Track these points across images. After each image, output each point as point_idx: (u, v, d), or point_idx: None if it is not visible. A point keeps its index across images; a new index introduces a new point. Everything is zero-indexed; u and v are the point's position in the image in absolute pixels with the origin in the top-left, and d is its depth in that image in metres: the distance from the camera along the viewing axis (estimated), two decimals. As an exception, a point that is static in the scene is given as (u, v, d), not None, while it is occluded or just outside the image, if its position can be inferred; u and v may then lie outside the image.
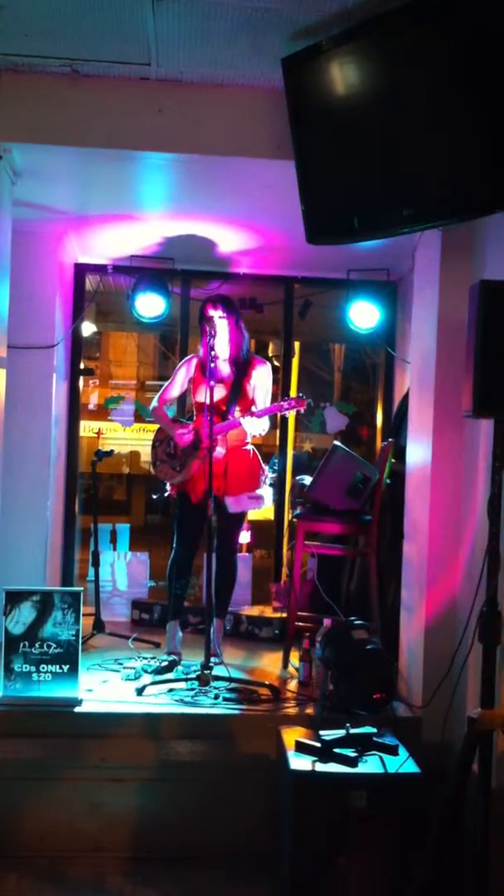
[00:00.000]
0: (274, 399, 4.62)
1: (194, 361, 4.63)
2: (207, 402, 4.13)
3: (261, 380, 4.54)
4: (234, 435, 4.44)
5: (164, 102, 3.72)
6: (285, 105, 3.42)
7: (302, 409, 4.31)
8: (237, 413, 4.42)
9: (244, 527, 5.22)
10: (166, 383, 4.72)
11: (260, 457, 4.62)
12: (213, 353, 4.23)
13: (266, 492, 4.62)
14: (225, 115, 3.73)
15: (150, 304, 5.38)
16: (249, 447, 4.56)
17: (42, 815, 3.61)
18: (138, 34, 3.34)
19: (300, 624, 4.64)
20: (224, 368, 4.53)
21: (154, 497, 4.66)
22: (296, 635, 4.57)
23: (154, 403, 4.70)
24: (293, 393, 6.13)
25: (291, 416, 5.97)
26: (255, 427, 4.31)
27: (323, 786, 3.09)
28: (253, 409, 4.41)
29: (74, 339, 5.79)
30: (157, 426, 4.75)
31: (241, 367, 4.53)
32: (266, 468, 4.64)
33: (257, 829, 3.52)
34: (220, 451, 4.38)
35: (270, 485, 4.71)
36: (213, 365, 4.21)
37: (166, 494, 4.64)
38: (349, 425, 6.35)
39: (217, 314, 4.42)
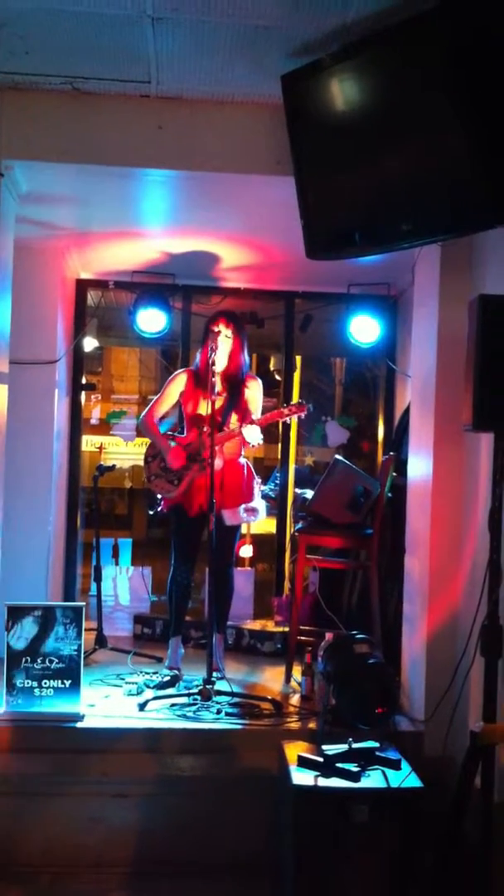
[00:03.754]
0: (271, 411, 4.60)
1: (185, 376, 4.60)
2: (207, 414, 4.13)
3: (253, 393, 4.55)
4: (229, 447, 4.45)
5: (165, 119, 3.76)
6: (285, 121, 3.45)
7: (303, 415, 4.31)
8: (234, 421, 4.42)
9: (241, 541, 5.21)
10: (155, 398, 4.68)
11: (253, 469, 4.62)
12: (213, 367, 4.24)
13: (261, 504, 4.62)
14: (225, 131, 3.77)
15: (152, 320, 5.41)
16: (243, 460, 4.56)
17: (44, 830, 3.59)
18: (139, 52, 3.37)
19: (302, 638, 4.63)
20: (216, 382, 4.52)
21: (150, 513, 4.63)
22: (298, 649, 4.56)
23: (142, 417, 4.64)
24: (295, 403, 6.14)
25: (293, 429, 6.00)
26: (254, 436, 4.30)
27: (325, 800, 3.08)
28: (253, 416, 4.41)
29: (76, 355, 5.82)
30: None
31: (234, 382, 4.53)
32: (259, 480, 4.64)
33: (259, 844, 3.51)
34: (218, 462, 4.37)
35: (263, 496, 4.69)
36: (214, 379, 4.23)
37: (159, 509, 4.60)
38: (350, 439, 6.37)
39: (226, 332, 4.42)
